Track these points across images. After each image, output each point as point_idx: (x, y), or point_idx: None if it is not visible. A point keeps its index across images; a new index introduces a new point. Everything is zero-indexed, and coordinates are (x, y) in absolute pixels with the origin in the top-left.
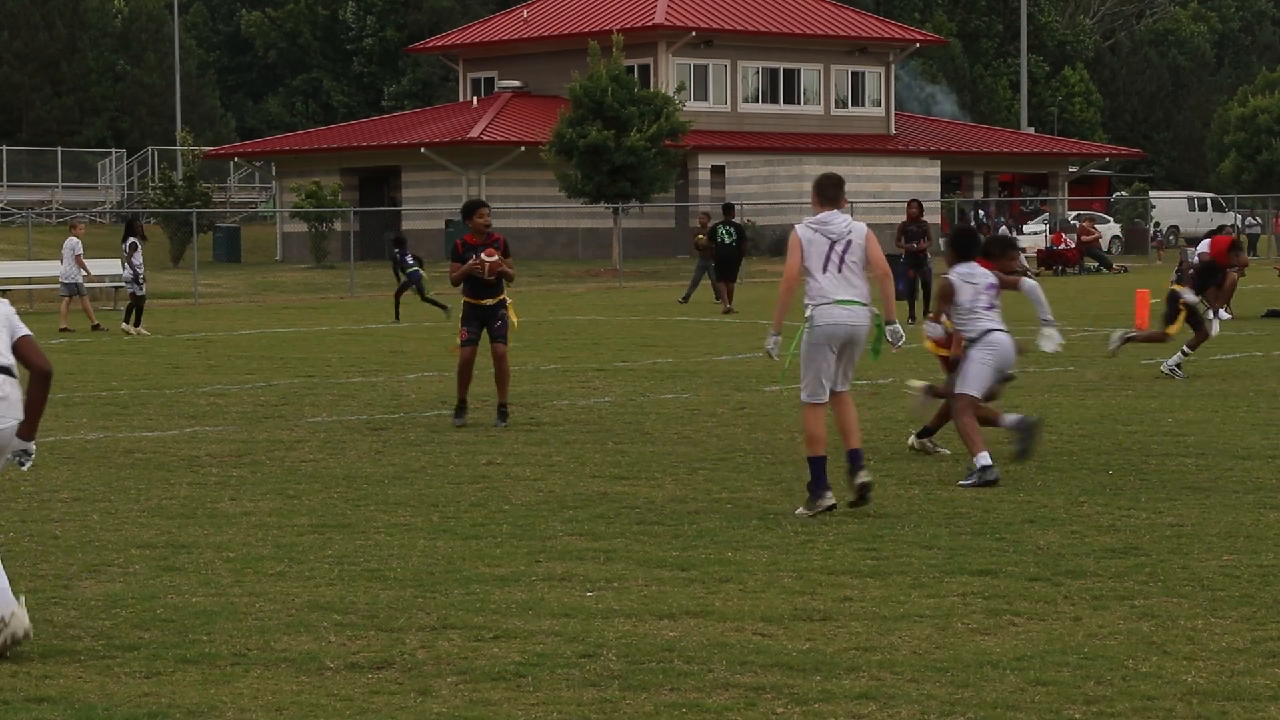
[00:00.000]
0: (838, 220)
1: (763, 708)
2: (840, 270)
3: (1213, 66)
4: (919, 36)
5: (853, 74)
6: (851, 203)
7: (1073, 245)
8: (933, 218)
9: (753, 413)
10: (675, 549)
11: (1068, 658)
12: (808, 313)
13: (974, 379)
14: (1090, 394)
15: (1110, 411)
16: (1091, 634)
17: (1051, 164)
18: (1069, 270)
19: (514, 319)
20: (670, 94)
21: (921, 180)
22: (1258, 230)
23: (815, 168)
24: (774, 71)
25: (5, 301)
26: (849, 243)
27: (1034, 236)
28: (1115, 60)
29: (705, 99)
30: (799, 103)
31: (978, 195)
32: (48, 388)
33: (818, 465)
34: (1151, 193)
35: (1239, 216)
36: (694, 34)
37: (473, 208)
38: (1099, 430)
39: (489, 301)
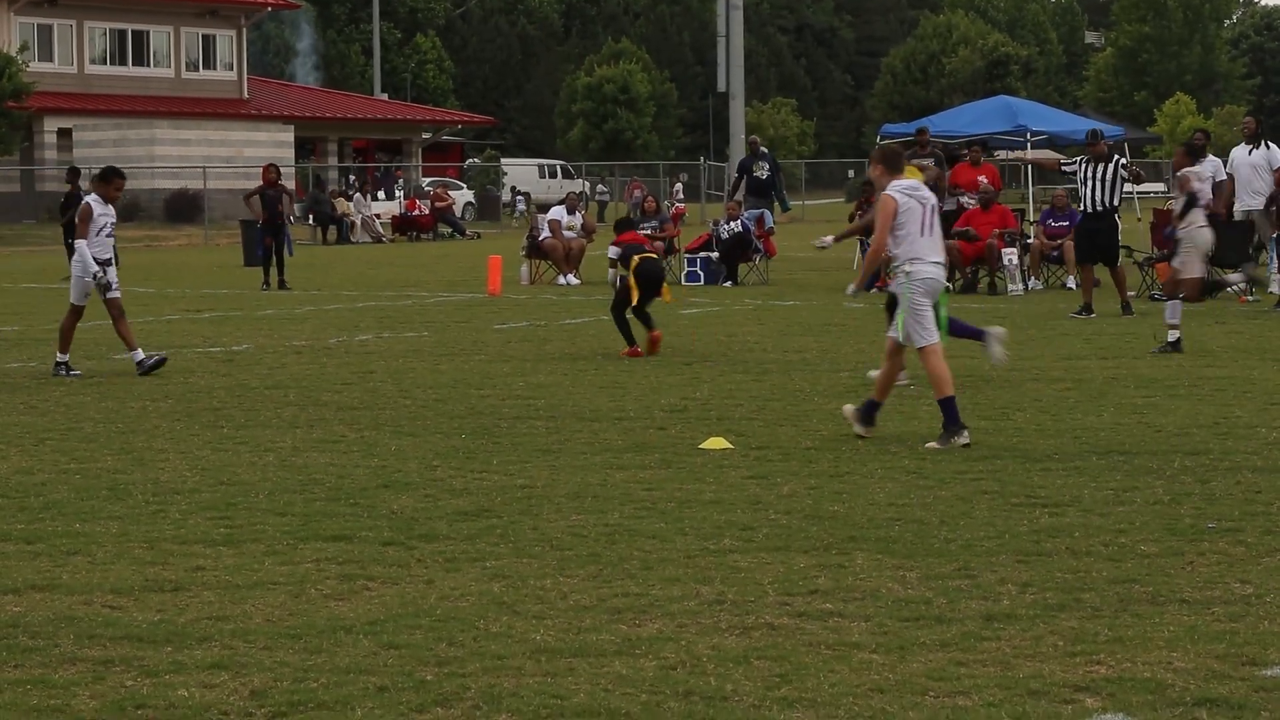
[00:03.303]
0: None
1: (112, 681)
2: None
3: (561, 36)
4: (270, 0)
5: (204, 36)
6: (205, 167)
7: (427, 212)
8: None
9: (102, 381)
10: (21, 522)
11: (420, 620)
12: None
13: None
14: (444, 359)
15: (463, 376)
16: (444, 596)
17: (405, 130)
18: (424, 236)
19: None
20: (13, 54)
21: (276, 145)
22: (608, 198)
23: (167, 132)
24: (122, 33)
25: None
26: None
27: (389, 203)
28: (466, 28)
29: (50, 60)
30: (149, 65)
31: (333, 161)
32: None
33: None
34: (503, 160)
35: (587, 184)
36: None
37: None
38: (453, 395)
39: None
